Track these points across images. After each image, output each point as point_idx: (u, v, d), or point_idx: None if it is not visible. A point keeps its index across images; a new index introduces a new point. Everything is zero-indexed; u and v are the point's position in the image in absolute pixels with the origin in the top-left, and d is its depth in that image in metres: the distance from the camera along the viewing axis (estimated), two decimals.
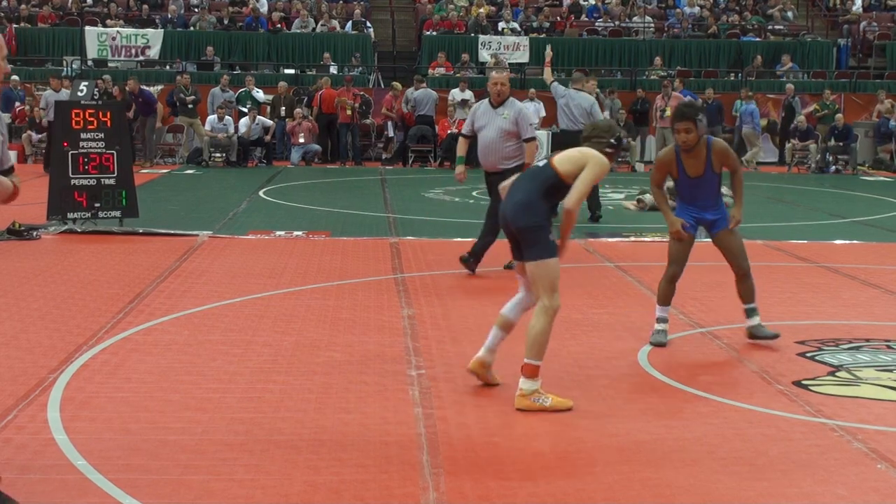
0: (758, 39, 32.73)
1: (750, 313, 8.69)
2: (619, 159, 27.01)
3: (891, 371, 7.98)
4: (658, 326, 8.68)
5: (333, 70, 29.88)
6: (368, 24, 32.72)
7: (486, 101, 11.93)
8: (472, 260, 11.74)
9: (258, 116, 26.40)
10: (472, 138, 12.05)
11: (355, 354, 8.19)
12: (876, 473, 5.85)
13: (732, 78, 30.97)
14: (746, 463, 5.98)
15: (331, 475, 5.61)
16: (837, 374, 7.92)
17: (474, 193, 20.60)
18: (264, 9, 32.39)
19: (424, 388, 7.27)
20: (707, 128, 8.60)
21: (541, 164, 7.39)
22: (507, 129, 11.56)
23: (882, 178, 25.84)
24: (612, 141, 7.28)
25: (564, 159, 7.17)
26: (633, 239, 14.65)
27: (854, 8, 34.97)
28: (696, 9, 34.12)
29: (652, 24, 33.32)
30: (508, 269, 11.09)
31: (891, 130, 28.00)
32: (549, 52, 17.81)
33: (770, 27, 33.63)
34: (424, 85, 27.61)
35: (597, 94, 28.38)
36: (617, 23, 33.22)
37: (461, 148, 12.19)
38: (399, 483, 5.52)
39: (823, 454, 6.14)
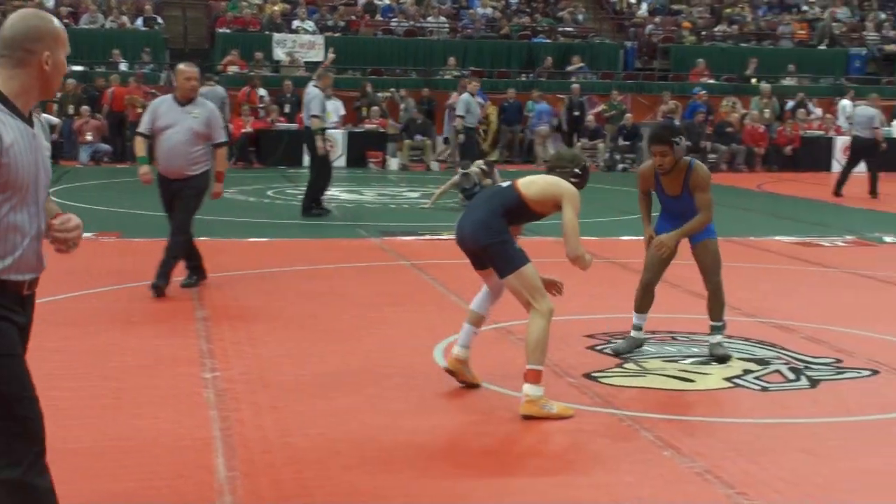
0: (548, 41, 33.41)
1: (713, 330, 8.41)
2: (414, 158, 27.25)
3: (676, 361, 8.28)
4: (632, 333, 8.59)
5: (124, 67, 29.22)
6: (160, 20, 32.13)
7: (171, 97, 10.68)
8: (161, 284, 10.28)
9: (43, 114, 25.61)
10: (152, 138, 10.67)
11: (148, 358, 8.04)
12: (662, 460, 6.06)
13: (524, 78, 31.55)
14: (538, 455, 6.12)
15: (124, 483, 5.49)
16: (625, 365, 8.17)
17: (269, 193, 20.47)
18: (51, 3, 31.43)
19: (220, 391, 7.19)
20: (686, 146, 8.21)
21: (504, 184, 7.35)
22: (199, 130, 10.39)
23: None
24: (577, 170, 7.29)
25: (530, 183, 7.13)
26: (428, 237, 14.78)
27: (640, 11, 36.04)
28: (489, 10, 34.62)
29: (446, 25, 33.67)
30: (187, 287, 10.61)
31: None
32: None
33: (560, 29, 34.38)
34: (212, 83, 27.05)
35: (392, 92, 28.74)
36: (412, 22, 33.44)
37: (140, 148, 10.76)
38: (194, 487, 5.45)
39: (612, 444, 6.33)
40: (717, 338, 8.40)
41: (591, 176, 7.61)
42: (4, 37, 3.89)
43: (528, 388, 6.76)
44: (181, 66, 10.78)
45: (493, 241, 6.95)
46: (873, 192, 22.19)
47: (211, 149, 10.57)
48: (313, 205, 17.13)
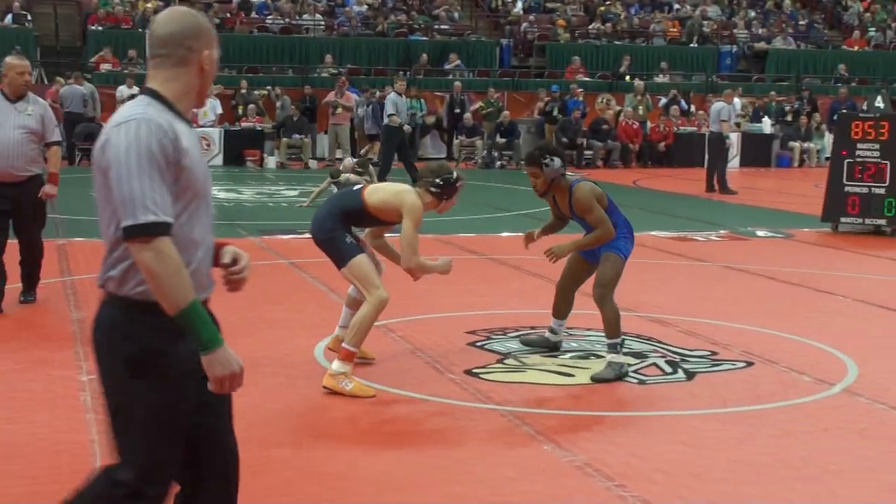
0: (425, 38, 33.49)
1: (607, 348, 7.93)
2: (292, 156, 27.09)
3: (555, 357, 8.36)
4: (546, 332, 8.55)
5: None
6: (29, 17, 31.43)
7: None
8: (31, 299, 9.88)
9: None
10: None
11: (21, 362, 7.86)
12: (543, 454, 6.12)
13: (402, 76, 31.52)
14: (420, 452, 6.13)
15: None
16: (505, 361, 8.23)
17: None
18: None
19: (96, 394, 7.04)
20: (560, 167, 7.91)
21: (356, 188, 7.71)
22: (33, 128, 9.55)
23: None
24: (437, 181, 7.49)
25: (375, 191, 7.50)
26: (306, 236, 14.66)
27: (515, 9, 36.32)
28: (364, 7, 34.58)
29: (322, 22, 33.53)
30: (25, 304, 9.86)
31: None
32: None
33: (436, 27, 34.49)
34: (72, 81, 26.49)
35: (268, 90, 28.51)
36: (287, 20, 33.25)
37: None
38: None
39: (493, 439, 6.38)
40: (607, 359, 7.89)
41: (469, 174, 7.68)
42: (160, 35, 3.61)
43: (335, 364, 7.23)
44: (11, 59, 9.91)
45: (324, 238, 7.44)
46: (710, 186, 22.59)
47: (42, 148, 9.81)
48: None
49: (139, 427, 3.58)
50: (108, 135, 3.51)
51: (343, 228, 7.41)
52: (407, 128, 22.93)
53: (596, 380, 7.67)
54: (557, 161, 7.89)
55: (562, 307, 8.48)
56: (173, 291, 3.41)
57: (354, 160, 19.17)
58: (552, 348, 8.54)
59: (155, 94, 3.58)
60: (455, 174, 7.67)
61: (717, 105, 22.88)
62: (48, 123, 9.76)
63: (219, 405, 3.83)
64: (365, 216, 7.47)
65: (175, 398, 3.58)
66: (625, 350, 8.22)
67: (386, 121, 22.02)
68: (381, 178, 19.34)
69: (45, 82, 28.44)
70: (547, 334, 8.59)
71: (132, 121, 3.46)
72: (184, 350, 3.54)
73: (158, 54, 3.62)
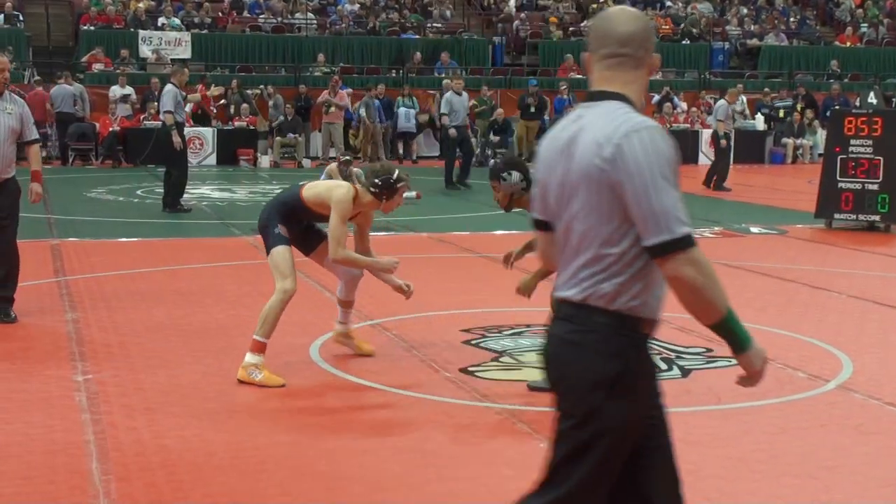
0: (417, 37, 33.49)
1: None
2: (285, 155, 27.08)
3: None
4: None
5: None
6: (21, 17, 31.37)
7: None
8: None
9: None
10: None
11: (16, 362, 7.86)
12: (539, 451, 6.10)
13: (394, 75, 31.56)
14: (415, 450, 6.13)
15: None
16: (501, 359, 8.23)
17: (138, 192, 20.17)
18: None
19: (92, 394, 7.06)
20: (518, 181, 7.51)
21: (299, 184, 7.99)
22: (15, 127, 9.35)
23: None
24: (375, 181, 7.65)
25: (312, 187, 7.80)
26: None
27: (507, 8, 36.32)
28: (356, 6, 34.57)
29: (315, 21, 33.51)
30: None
31: (545, 124, 29.27)
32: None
33: (429, 25, 34.48)
34: (62, 81, 26.45)
35: (261, 89, 28.48)
36: (280, 19, 33.23)
37: None
38: (67, 493, 5.35)
39: (489, 436, 6.38)
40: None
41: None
42: (622, 34, 3.41)
43: (248, 356, 7.48)
44: None
45: (260, 227, 7.82)
46: (707, 182, 22.69)
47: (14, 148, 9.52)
48: (178, 202, 17.10)
49: (596, 449, 3.39)
50: (612, 146, 3.28)
51: (277, 219, 7.69)
52: (452, 132, 21.84)
53: (532, 388, 7.34)
54: (516, 175, 7.53)
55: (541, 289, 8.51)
56: (715, 300, 3.26)
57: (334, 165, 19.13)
58: None
59: (626, 99, 3.41)
60: (396, 174, 7.73)
61: (718, 103, 23.01)
62: (27, 122, 9.52)
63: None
64: (302, 209, 7.74)
65: (636, 423, 3.41)
66: None
67: (444, 121, 21.98)
68: (450, 180, 19.72)
69: (33, 82, 28.28)
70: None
71: (643, 130, 3.28)
72: (652, 375, 3.46)
73: (618, 54, 3.43)
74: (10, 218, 9.42)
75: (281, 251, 7.62)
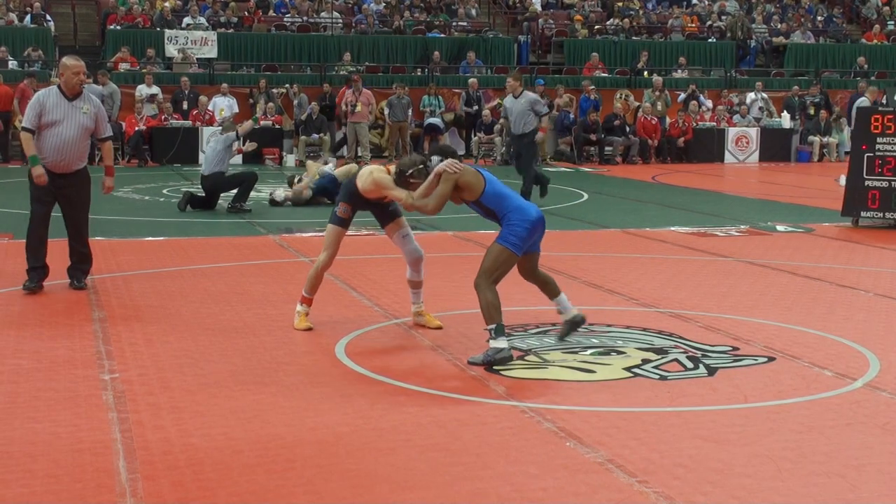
0: (443, 36, 33.49)
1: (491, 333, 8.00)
2: (311, 154, 27.13)
3: (576, 353, 8.35)
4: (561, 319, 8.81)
5: (13, 65, 28.62)
6: (48, 17, 31.53)
7: (55, 91, 10.39)
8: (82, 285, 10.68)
9: None
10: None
11: (44, 361, 7.90)
12: (565, 451, 6.11)
13: (419, 73, 31.57)
14: (441, 448, 6.13)
15: (20, 488, 5.39)
16: (527, 357, 8.22)
17: (164, 191, 20.23)
18: None
19: (118, 393, 7.09)
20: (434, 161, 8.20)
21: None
22: (89, 125, 10.41)
23: (563, 169, 26.95)
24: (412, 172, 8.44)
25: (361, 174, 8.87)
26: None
27: (533, 6, 36.28)
28: (382, 5, 34.62)
29: (340, 20, 33.56)
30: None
31: (570, 124, 29.25)
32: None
33: (454, 24, 34.48)
34: (90, 81, 26.55)
35: (286, 88, 28.53)
36: (305, 18, 33.29)
37: (30, 146, 10.25)
38: (94, 491, 5.37)
39: (515, 435, 6.37)
40: (491, 342, 7.97)
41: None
42: None
43: (298, 305, 9.08)
44: (68, 60, 10.45)
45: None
46: None
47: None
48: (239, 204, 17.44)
49: None
50: None
51: (342, 198, 8.95)
52: (539, 136, 19.38)
53: (470, 362, 7.95)
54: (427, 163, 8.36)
55: (545, 289, 8.77)
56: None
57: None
58: (578, 323, 8.74)
59: None
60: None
61: (859, 100, 23.10)
62: (101, 120, 10.52)
63: None
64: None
65: None
66: (646, 346, 8.19)
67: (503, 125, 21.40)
68: (527, 188, 18.00)
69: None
70: (561, 319, 8.76)
71: None
72: None
73: None
74: (81, 204, 10.65)
75: (330, 228, 8.94)
